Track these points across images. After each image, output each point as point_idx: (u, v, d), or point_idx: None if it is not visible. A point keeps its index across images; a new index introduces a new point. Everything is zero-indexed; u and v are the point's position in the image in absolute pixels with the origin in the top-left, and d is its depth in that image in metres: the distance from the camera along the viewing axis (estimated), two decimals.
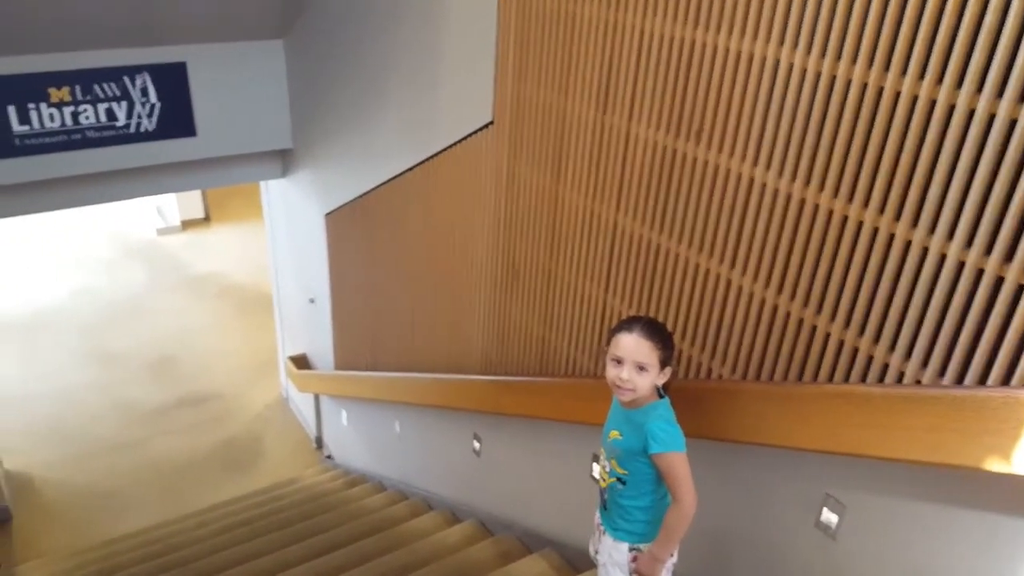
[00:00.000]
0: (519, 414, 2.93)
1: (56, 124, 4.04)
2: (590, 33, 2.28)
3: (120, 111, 4.19)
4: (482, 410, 3.31)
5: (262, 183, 5.67)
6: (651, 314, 2.23)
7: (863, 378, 1.70)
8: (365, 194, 4.05)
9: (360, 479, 4.92)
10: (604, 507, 1.98)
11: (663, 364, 1.75)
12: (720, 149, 1.94)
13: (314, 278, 5.14)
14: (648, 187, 2.17)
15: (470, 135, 2.99)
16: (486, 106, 2.83)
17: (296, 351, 5.84)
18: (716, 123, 1.93)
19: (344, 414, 5.28)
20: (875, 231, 1.65)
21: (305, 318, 5.58)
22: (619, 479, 1.86)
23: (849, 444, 1.51)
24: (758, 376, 1.94)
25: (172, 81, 4.26)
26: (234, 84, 4.46)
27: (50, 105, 3.98)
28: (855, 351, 1.70)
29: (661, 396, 1.82)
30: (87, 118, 4.11)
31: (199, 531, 4.29)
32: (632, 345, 1.73)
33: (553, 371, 2.78)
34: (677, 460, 1.73)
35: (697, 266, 2.06)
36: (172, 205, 9.55)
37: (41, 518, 5.19)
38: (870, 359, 1.68)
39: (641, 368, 1.73)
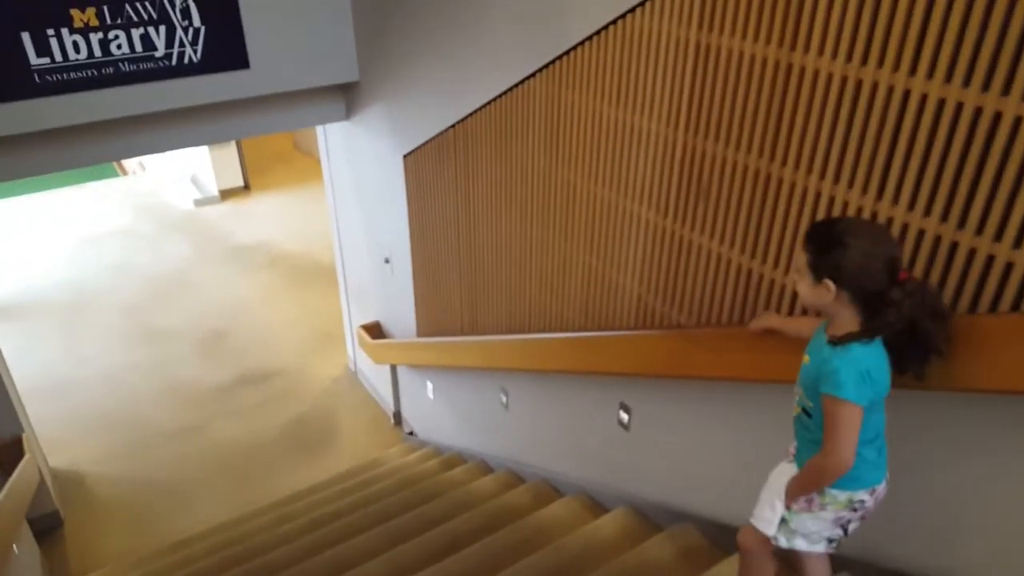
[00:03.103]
0: (717, 376, 2.24)
1: (82, 55, 3.36)
2: None
3: (158, 38, 3.51)
4: (638, 373, 2.63)
5: (319, 130, 4.99)
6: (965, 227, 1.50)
7: None
8: (460, 121, 3.34)
9: (456, 459, 4.30)
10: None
11: (815, 272, 1.46)
12: None
13: (389, 234, 4.47)
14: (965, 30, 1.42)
15: (627, 12, 2.25)
16: None
17: (367, 319, 5.20)
18: None
19: (430, 386, 4.64)
20: None
21: (377, 281, 4.93)
22: (804, 410, 1.62)
23: None
24: None
25: None
26: (292, 1, 3.74)
27: (73, 31, 3.30)
28: None
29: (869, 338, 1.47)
30: (119, 47, 3.43)
31: (284, 527, 3.71)
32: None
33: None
34: (842, 409, 1.46)
35: None
36: (209, 174, 8.96)
37: (96, 520, 4.65)
38: None
39: (797, 271, 1.52)
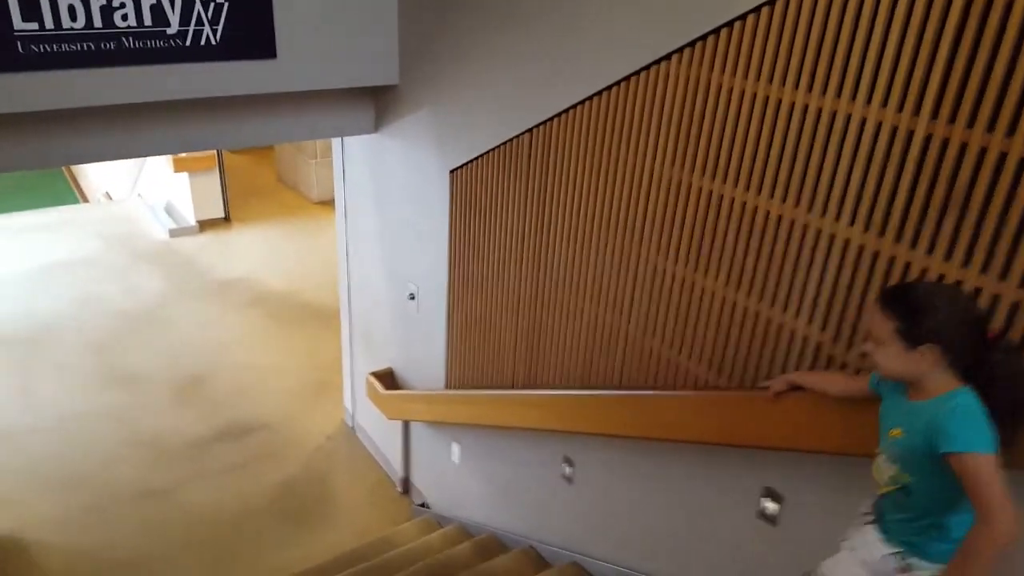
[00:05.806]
0: None
1: (79, 24, 2.71)
2: None
3: (172, 12, 2.87)
4: (811, 449, 1.99)
5: (335, 145, 4.34)
6: None
7: None
8: (539, 125, 2.74)
9: (491, 541, 3.55)
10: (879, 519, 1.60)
11: (906, 339, 1.39)
12: None
13: (419, 265, 3.80)
14: None
15: None
16: None
17: (376, 367, 4.46)
18: None
19: (456, 449, 3.91)
20: None
21: (396, 321, 4.22)
22: (902, 488, 1.49)
23: None
24: None
25: None
26: None
27: None
28: None
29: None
30: (124, 18, 2.78)
31: None
32: (869, 310, 1.58)
33: None
34: (983, 463, 1.31)
35: None
36: (187, 203, 8.21)
37: None
38: None
39: (877, 341, 1.45)
